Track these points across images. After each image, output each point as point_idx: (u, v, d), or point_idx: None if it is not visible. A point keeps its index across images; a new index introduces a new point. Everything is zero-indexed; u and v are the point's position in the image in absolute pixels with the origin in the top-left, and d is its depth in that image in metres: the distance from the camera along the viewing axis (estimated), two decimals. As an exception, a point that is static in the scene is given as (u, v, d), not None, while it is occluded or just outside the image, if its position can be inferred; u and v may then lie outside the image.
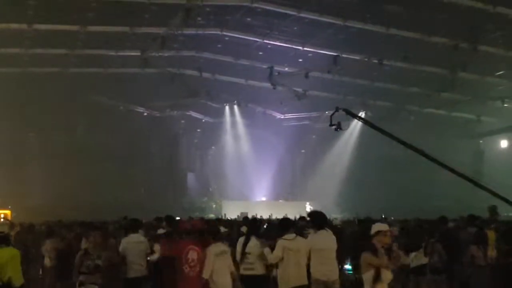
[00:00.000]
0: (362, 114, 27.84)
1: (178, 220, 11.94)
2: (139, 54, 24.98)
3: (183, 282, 6.98)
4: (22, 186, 27.90)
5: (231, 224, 15.89)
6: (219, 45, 26.17)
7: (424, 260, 8.99)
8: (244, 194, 37.88)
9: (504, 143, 34.74)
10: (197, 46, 26.38)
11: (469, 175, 10.87)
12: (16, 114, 27.64)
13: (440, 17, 21.29)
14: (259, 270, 7.86)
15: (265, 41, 24.94)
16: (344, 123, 14.42)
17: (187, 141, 39.37)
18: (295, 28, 23.85)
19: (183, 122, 37.65)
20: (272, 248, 7.70)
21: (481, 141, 36.04)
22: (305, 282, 7.47)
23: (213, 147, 40.72)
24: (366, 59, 25.30)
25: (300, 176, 41.01)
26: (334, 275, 7.59)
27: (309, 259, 7.64)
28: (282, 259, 7.45)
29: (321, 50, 25.52)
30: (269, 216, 25.75)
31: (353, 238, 11.41)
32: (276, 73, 27.65)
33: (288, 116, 36.50)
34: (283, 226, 7.91)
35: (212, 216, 30.37)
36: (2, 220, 22.62)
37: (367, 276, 5.53)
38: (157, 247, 8.83)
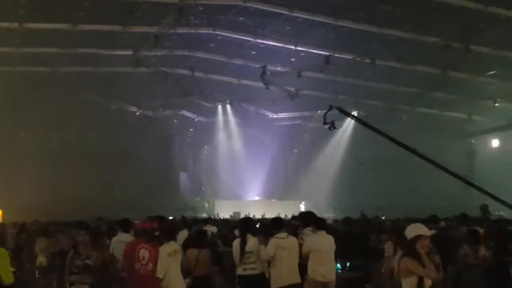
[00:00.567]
0: (354, 114, 27.89)
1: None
2: (131, 53, 24.90)
3: (135, 280, 7.02)
4: (14, 186, 27.71)
5: (226, 223, 15.94)
6: (211, 45, 26.15)
7: None
8: (237, 194, 37.91)
9: (495, 143, 34.93)
10: (190, 45, 26.35)
11: (461, 174, 10.89)
12: (8, 114, 27.44)
13: (432, 16, 21.34)
14: (259, 269, 7.75)
15: (258, 40, 24.94)
16: (337, 122, 14.42)
17: (180, 141, 39.35)
18: (288, 27, 23.87)
19: (176, 122, 37.65)
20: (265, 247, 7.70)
21: (472, 141, 36.25)
22: (298, 280, 7.48)
23: (206, 147, 40.72)
24: (358, 59, 25.34)
25: (293, 175, 41.13)
26: (332, 276, 7.62)
27: (306, 259, 7.65)
28: (273, 257, 7.44)
29: (313, 49, 25.54)
30: (262, 215, 25.77)
31: (343, 238, 11.47)
32: (269, 73, 27.64)
33: (281, 115, 36.59)
34: (276, 225, 7.92)
35: (204, 215, 30.35)
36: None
37: (407, 282, 5.22)
38: None
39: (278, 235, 7.58)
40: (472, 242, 8.93)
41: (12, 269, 7.76)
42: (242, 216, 25.65)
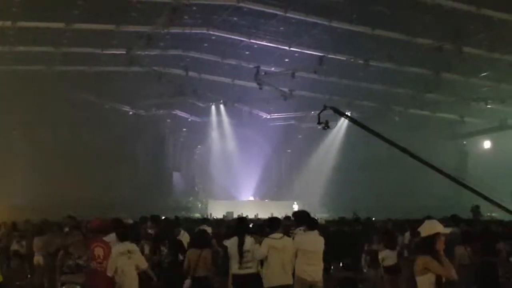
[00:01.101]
0: (347, 114, 28.00)
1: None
2: (124, 52, 24.82)
3: (91, 276, 7.24)
4: (6, 185, 27.55)
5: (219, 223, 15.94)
6: (205, 44, 26.12)
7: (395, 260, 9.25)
8: (230, 194, 37.89)
9: (487, 144, 35.14)
10: (183, 45, 26.31)
11: (453, 175, 10.97)
12: (0, 112, 27.29)
13: (425, 18, 21.46)
14: (255, 268, 7.77)
15: (252, 40, 24.94)
16: (331, 123, 14.46)
17: (173, 140, 39.30)
18: (282, 28, 23.88)
19: (169, 121, 37.58)
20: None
21: (464, 142, 36.45)
22: (290, 282, 7.51)
23: (199, 147, 40.66)
24: (352, 60, 25.41)
25: (286, 175, 41.18)
26: (318, 276, 7.65)
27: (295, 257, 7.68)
28: (266, 257, 7.46)
29: (307, 50, 25.58)
30: (255, 215, 25.80)
31: (337, 238, 11.51)
32: (263, 73, 27.64)
33: (274, 115, 36.60)
34: (272, 225, 7.93)
35: (197, 215, 30.31)
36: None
37: (423, 280, 5.09)
38: (146, 247, 8.97)
39: (272, 236, 7.61)
40: (465, 243, 9.01)
41: None
42: (235, 216, 25.74)
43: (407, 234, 10.76)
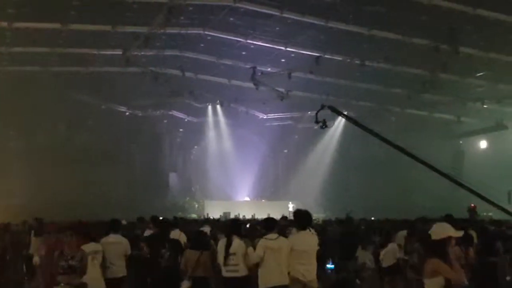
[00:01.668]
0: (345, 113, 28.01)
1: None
2: (121, 53, 24.77)
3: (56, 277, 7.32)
4: (1, 185, 27.47)
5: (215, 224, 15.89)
6: (202, 45, 26.12)
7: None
8: (226, 194, 37.87)
9: (483, 144, 35.24)
10: (180, 46, 26.29)
11: (450, 175, 10.97)
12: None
13: (421, 19, 21.50)
14: (242, 271, 7.76)
15: (248, 41, 24.94)
16: (328, 123, 14.45)
17: (170, 141, 39.23)
18: (278, 28, 23.90)
19: (166, 122, 37.53)
20: (254, 248, 7.70)
21: (461, 142, 36.54)
22: (286, 282, 7.49)
23: (195, 147, 40.63)
24: (348, 60, 25.44)
25: (283, 176, 41.16)
26: (312, 275, 7.63)
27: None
28: (262, 259, 7.45)
29: (303, 50, 25.60)
30: (252, 216, 25.80)
31: (334, 239, 11.54)
32: (259, 73, 27.67)
33: (271, 116, 36.61)
34: (268, 226, 7.90)
35: (194, 216, 30.30)
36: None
37: (432, 283, 4.98)
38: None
39: (267, 236, 7.59)
40: (463, 243, 9.01)
41: None
42: (232, 216, 25.73)
43: (400, 234, 10.74)
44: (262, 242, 7.51)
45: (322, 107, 11.95)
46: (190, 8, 22.14)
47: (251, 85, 28.04)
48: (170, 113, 36.37)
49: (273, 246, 7.44)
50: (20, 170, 28.66)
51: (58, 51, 24.55)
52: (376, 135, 10.86)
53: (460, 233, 5.16)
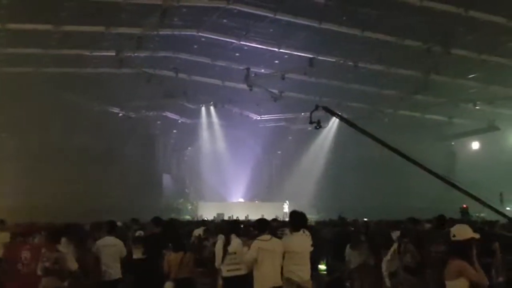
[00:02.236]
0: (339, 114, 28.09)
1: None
2: (114, 54, 24.71)
3: (17, 279, 7.56)
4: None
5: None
6: (195, 46, 26.13)
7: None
8: (220, 195, 37.88)
9: (475, 145, 35.44)
10: (173, 47, 26.27)
11: (442, 175, 11.04)
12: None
13: (413, 20, 21.59)
14: (245, 269, 7.77)
15: (242, 42, 24.97)
16: (322, 123, 14.51)
17: (163, 142, 39.21)
18: (271, 29, 23.95)
19: (159, 123, 37.51)
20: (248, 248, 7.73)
21: (453, 143, 36.72)
22: (280, 283, 7.53)
23: (189, 148, 40.64)
24: (341, 61, 25.50)
25: (277, 177, 41.23)
26: (306, 276, 7.67)
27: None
28: (256, 260, 7.48)
29: (297, 52, 25.64)
30: (246, 217, 25.82)
31: (328, 240, 11.57)
32: (253, 75, 27.73)
33: (265, 117, 36.65)
34: (261, 227, 7.93)
35: (188, 217, 30.28)
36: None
37: (456, 285, 5.00)
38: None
39: (261, 237, 7.61)
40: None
41: None
42: (225, 217, 25.73)
43: (393, 235, 10.75)
44: (255, 243, 7.53)
45: (317, 107, 12.02)
46: (184, 10, 22.15)
47: (244, 86, 28.07)
48: (164, 114, 36.33)
49: (267, 247, 7.47)
50: (13, 172, 28.56)
51: (51, 52, 24.44)
52: (370, 135, 10.92)
53: (478, 235, 5.16)
